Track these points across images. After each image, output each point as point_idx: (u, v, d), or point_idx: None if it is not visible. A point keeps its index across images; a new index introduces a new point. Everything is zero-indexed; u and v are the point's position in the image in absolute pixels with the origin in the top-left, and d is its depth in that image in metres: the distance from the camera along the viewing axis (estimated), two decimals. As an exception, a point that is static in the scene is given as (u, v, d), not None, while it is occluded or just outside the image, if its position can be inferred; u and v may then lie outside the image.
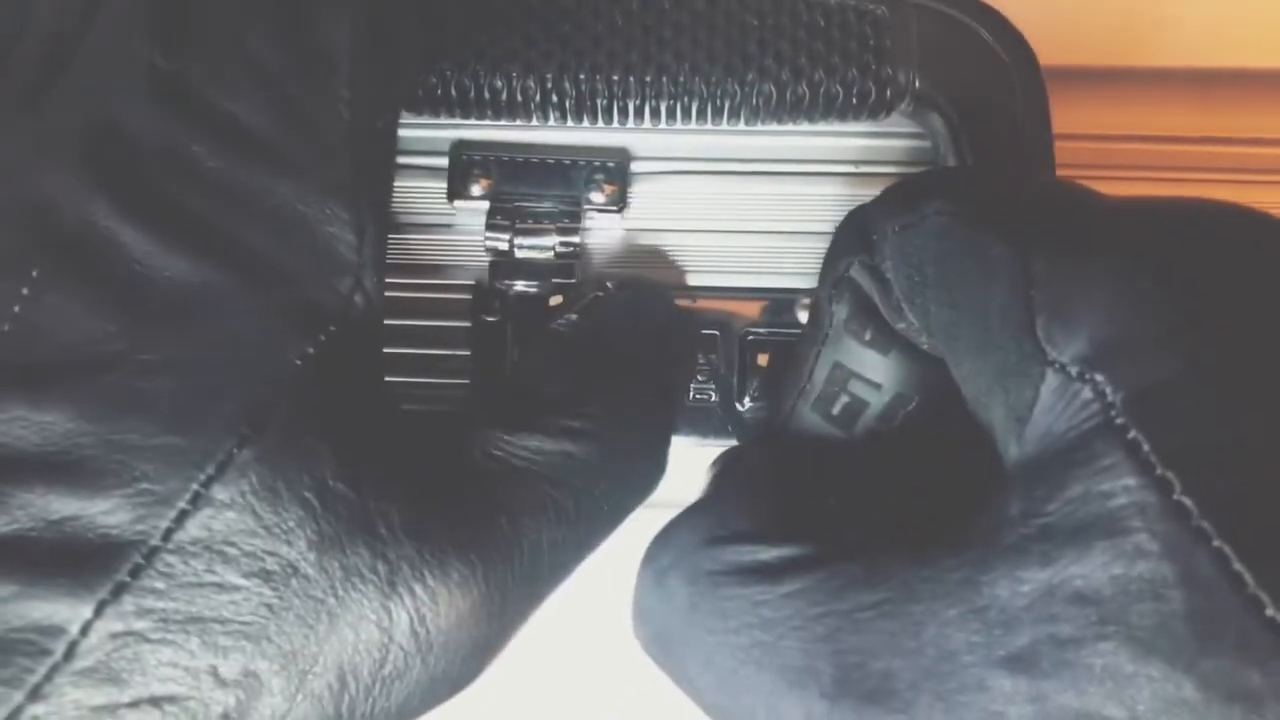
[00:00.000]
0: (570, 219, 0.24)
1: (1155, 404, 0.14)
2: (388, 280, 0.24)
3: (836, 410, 0.21)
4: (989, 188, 0.19)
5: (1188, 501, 0.13)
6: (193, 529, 0.15)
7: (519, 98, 0.23)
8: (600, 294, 0.24)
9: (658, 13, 0.23)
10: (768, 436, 0.23)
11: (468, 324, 0.24)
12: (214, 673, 0.15)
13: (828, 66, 0.23)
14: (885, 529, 0.16)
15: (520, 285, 0.24)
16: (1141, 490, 0.13)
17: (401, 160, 0.25)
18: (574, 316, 0.23)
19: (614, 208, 0.25)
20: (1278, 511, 0.13)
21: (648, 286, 0.25)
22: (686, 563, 0.18)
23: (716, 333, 0.25)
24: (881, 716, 0.15)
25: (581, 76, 0.23)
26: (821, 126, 0.24)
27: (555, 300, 0.25)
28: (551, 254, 0.24)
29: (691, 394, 0.25)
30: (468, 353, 0.24)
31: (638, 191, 0.25)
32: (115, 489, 0.15)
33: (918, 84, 0.23)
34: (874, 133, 0.25)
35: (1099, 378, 0.14)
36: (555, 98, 0.23)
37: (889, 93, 0.23)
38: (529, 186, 0.25)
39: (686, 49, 0.23)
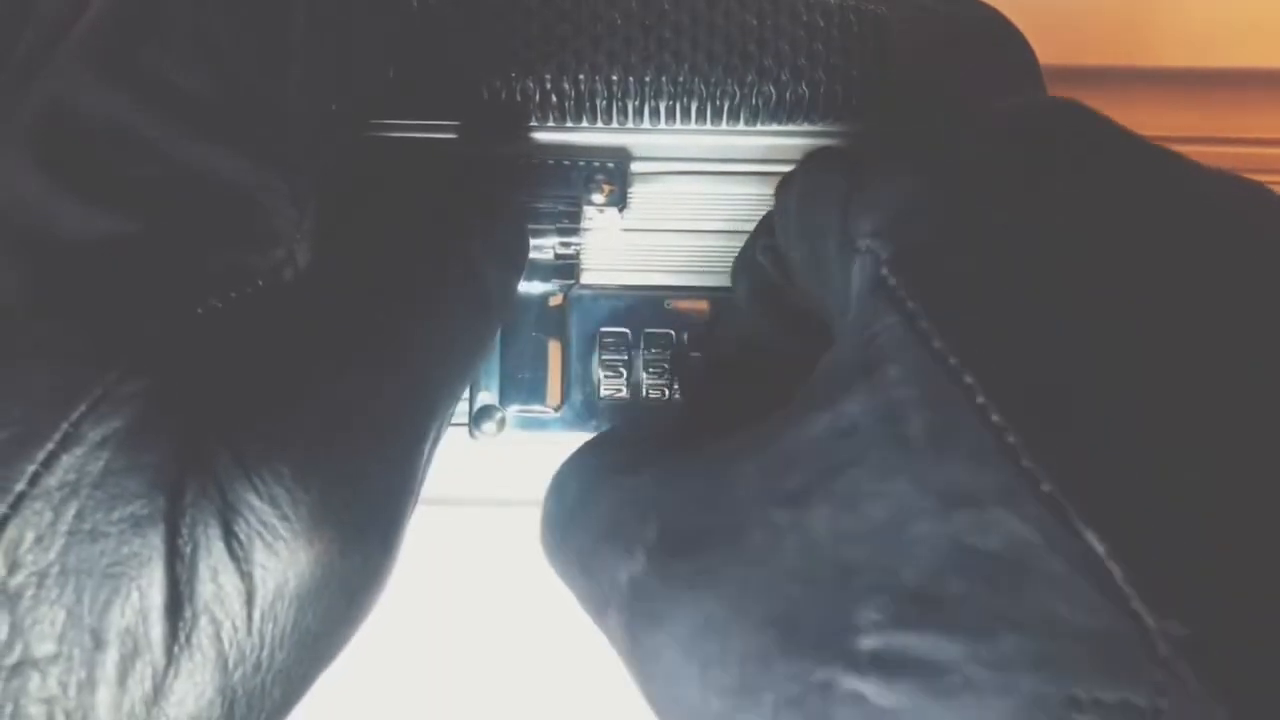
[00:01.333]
0: (570, 219, 0.24)
1: (912, 256, 0.15)
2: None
3: (738, 374, 0.22)
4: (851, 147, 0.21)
5: (928, 326, 0.14)
6: (61, 471, 0.14)
7: (519, 98, 0.23)
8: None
9: (657, 13, 0.23)
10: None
11: None
12: (91, 629, 0.15)
13: (827, 67, 0.23)
14: (733, 425, 0.18)
15: (520, 284, 0.24)
16: (896, 327, 0.15)
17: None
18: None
19: (614, 208, 0.25)
20: (1007, 329, 0.14)
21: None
22: (577, 469, 0.20)
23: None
24: (685, 561, 0.16)
25: (581, 77, 0.23)
26: (821, 127, 0.24)
27: (555, 302, 0.25)
28: (551, 254, 0.24)
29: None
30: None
31: (637, 192, 0.25)
32: None
33: (918, 85, 0.23)
34: (874, 133, 0.25)
35: (876, 244, 0.16)
36: (555, 98, 0.23)
37: (889, 93, 0.23)
38: (529, 187, 0.25)
39: (686, 49, 0.23)
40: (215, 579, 0.15)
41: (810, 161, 0.20)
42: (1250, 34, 0.30)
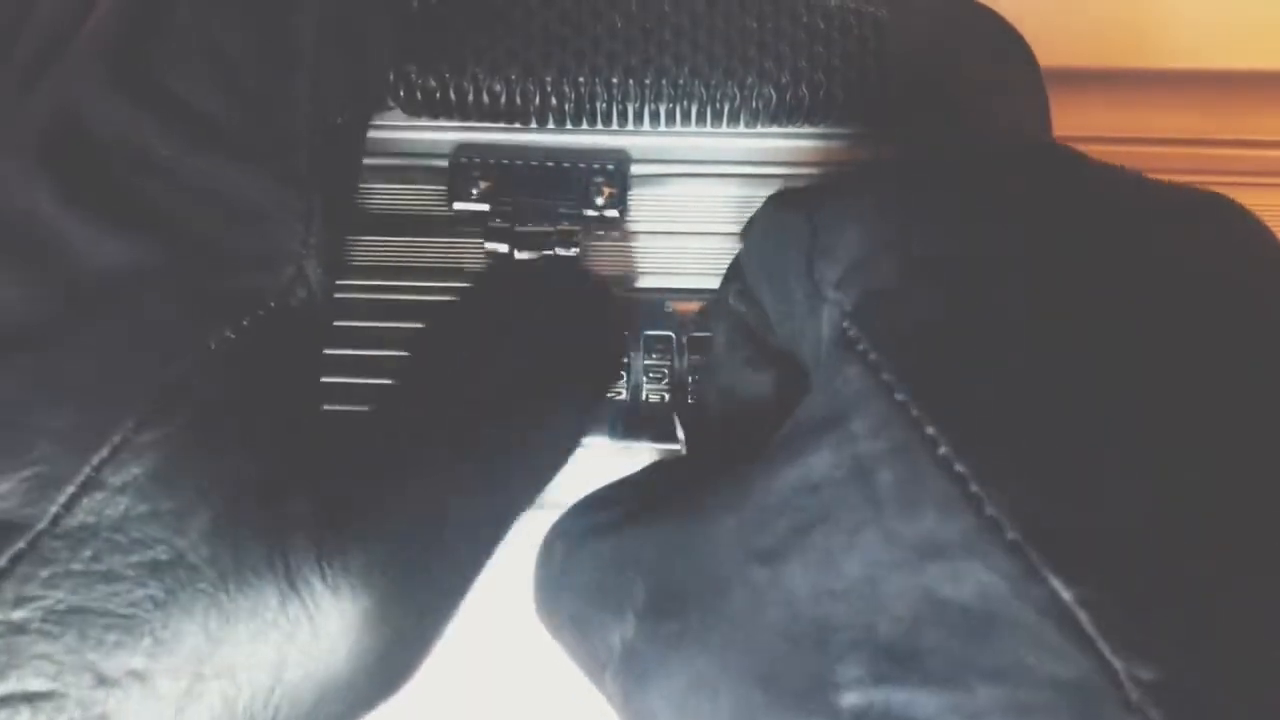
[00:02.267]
0: (570, 222, 0.24)
1: (873, 305, 0.15)
2: (387, 283, 0.24)
3: (726, 422, 0.21)
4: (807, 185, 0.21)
5: (890, 379, 0.14)
6: (81, 514, 0.14)
7: (519, 101, 0.23)
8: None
9: (657, 16, 0.23)
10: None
11: None
12: (93, 669, 0.14)
13: (827, 69, 0.23)
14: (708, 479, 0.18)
15: None
16: (858, 379, 0.15)
17: (402, 163, 0.25)
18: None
19: (614, 210, 0.25)
20: (966, 377, 0.14)
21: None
22: (564, 532, 0.19)
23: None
24: (672, 623, 0.16)
25: (581, 79, 0.23)
26: (821, 129, 0.24)
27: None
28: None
29: (690, 396, 0.25)
30: (467, 355, 0.24)
31: (637, 194, 0.25)
32: (9, 470, 0.14)
33: (917, 87, 0.23)
34: (874, 135, 0.25)
35: (839, 294, 0.16)
36: (555, 100, 0.23)
37: (889, 96, 0.23)
38: (529, 189, 0.25)
39: (686, 52, 0.23)
40: (251, 643, 0.15)
41: (771, 204, 0.20)
42: (1250, 36, 0.30)
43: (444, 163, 0.25)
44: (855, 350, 0.15)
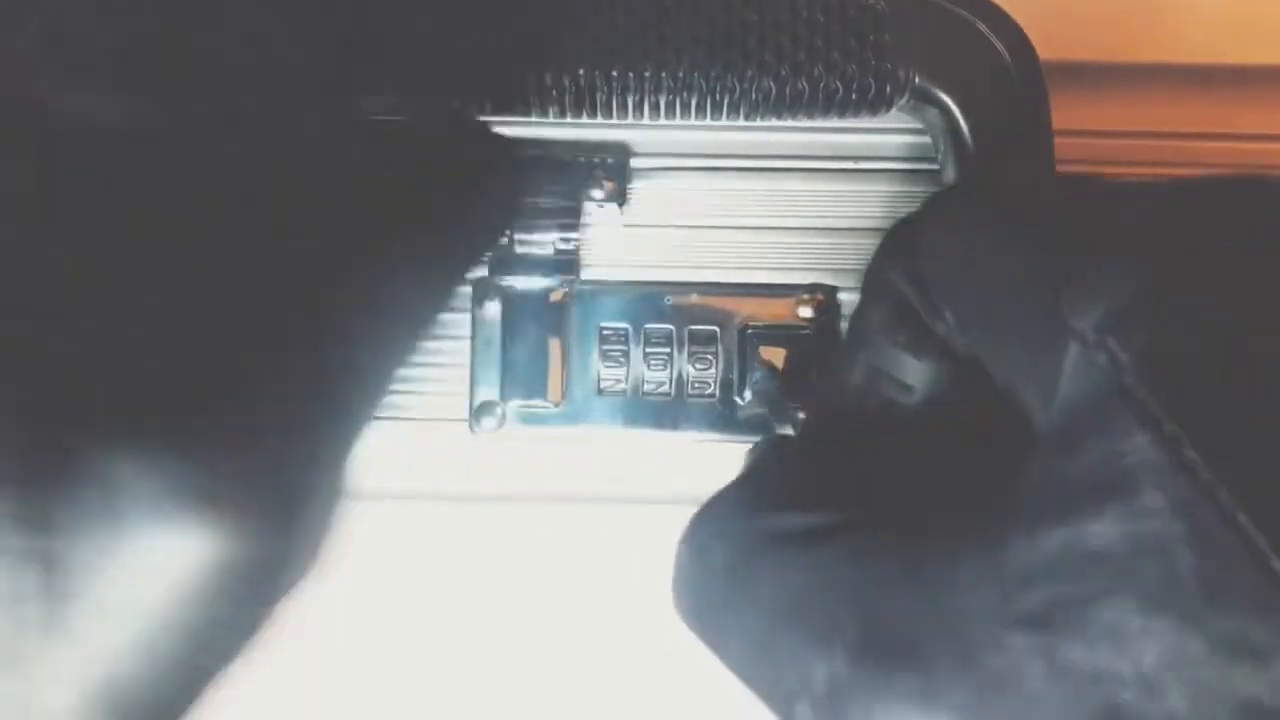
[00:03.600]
0: (570, 214, 0.24)
1: (1164, 366, 0.14)
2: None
3: (869, 409, 0.21)
4: (1019, 186, 0.19)
5: (1194, 456, 0.13)
6: None
7: (518, 93, 0.23)
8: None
9: (657, 8, 0.23)
10: (804, 431, 0.23)
11: (468, 318, 0.24)
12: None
13: (827, 62, 0.23)
14: (917, 502, 0.17)
15: (520, 280, 0.25)
16: (1150, 448, 0.13)
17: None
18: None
19: (614, 203, 0.25)
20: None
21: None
22: (726, 534, 0.18)
23: (716, 328, 0.25)
24: (902, 673, 0.15)
25: (581, 72, 0.23)
26: (821, 122, 0.24)
27: (556, 297, 0.25)
28: (552, 249, 0.25)
29: (689, 388, 0.25)
30: (467, 348, 0.24)
31: (637, 187, 0.25)
32: None
33: (917, 80, 0.23)
34: (873, 128, 0.25)
35: (1112, 342, 0.14)
36: (555, 93, 0.23)
37: (888, 88, 0.23)
38: (529, 182, 0.25)
39: (686, 45, 0.23)
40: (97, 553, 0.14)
41: (990, 197, 0.18)
42: (1251, 30, 0.30)
43: None
44: (1144, 413, 0.14)
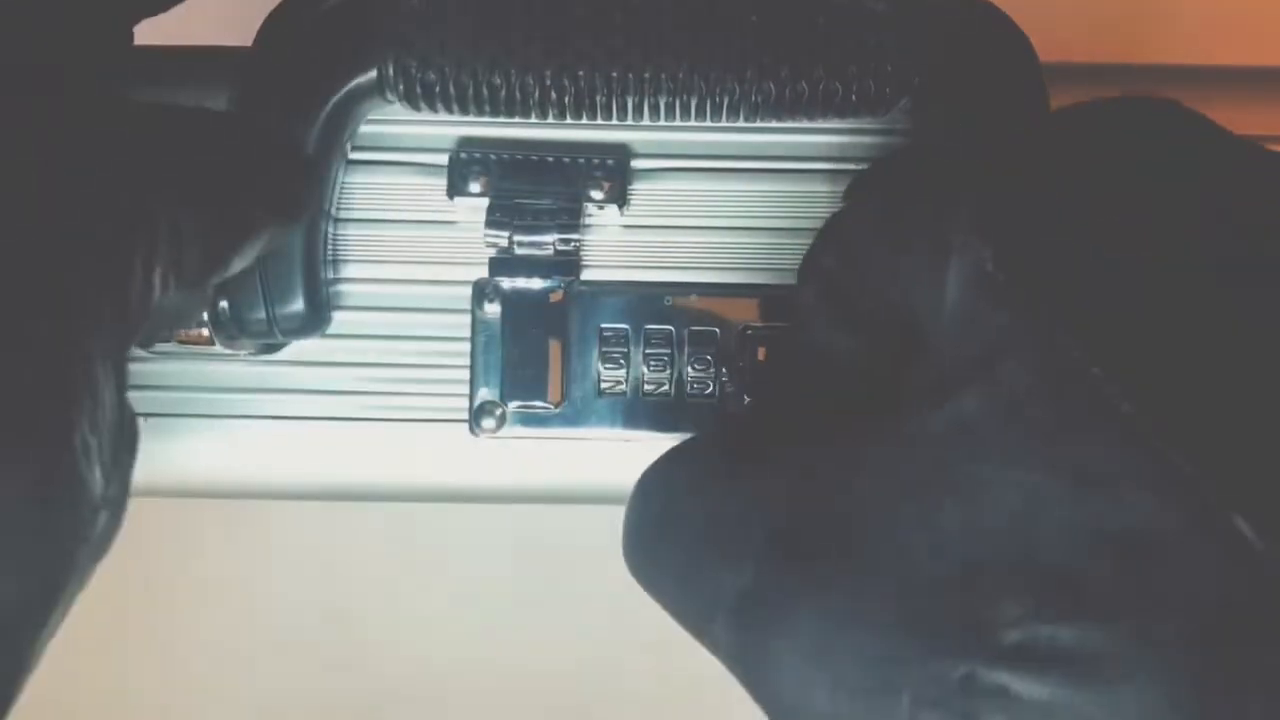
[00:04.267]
0: (570, 216, 0.25)
1: (1019, 250, 0.16)
2: (389, 276, 0.25)
3: (812, 379, 0.21)
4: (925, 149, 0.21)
5: (1044, 320, 0.14)
6: None
7: (518, 94, 0.23)
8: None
9: (657, 9, 0.23)
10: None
11: (467, 320, 0.24)
12: None
13: (827, 64, 0.23)
14: (829, 428, 0.18)
15: (520, 281, 0.25)
16: (1009, 321, 0.15)
17: (401, 158, 0.25)
18: None
19: (613, 205, 0.25)
20: (1128, 319, 0.14)
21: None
22: (662, 478, 0.19)
23: (716, 330, 0.25)
24: (801, 569, 0.16)
25: (581, 73, 0.23)
26: (821, 124, 0.24)
27: (556, 298, 0.25)
28: (551, 251, 0.25)
29: (689, 389, 0.25)
30: (466, 349, 0.24)
31: (637, 189, 0.25)
32: None
33: (917, 81, 0.23)
34: (874, 130, 0.25)
35: (977, 241, 0.16)
36: (554, 94, 0.23)
37: (888, 90, 0.23)
38: (529, 184, 0.25)
39: (686, 46, 0.23)
40: None
41: (889, 163, 0.20)
42: (1250, 31, 0.30)
43: (444, 157, 0.25)
44: (1003, 294, 0.15)
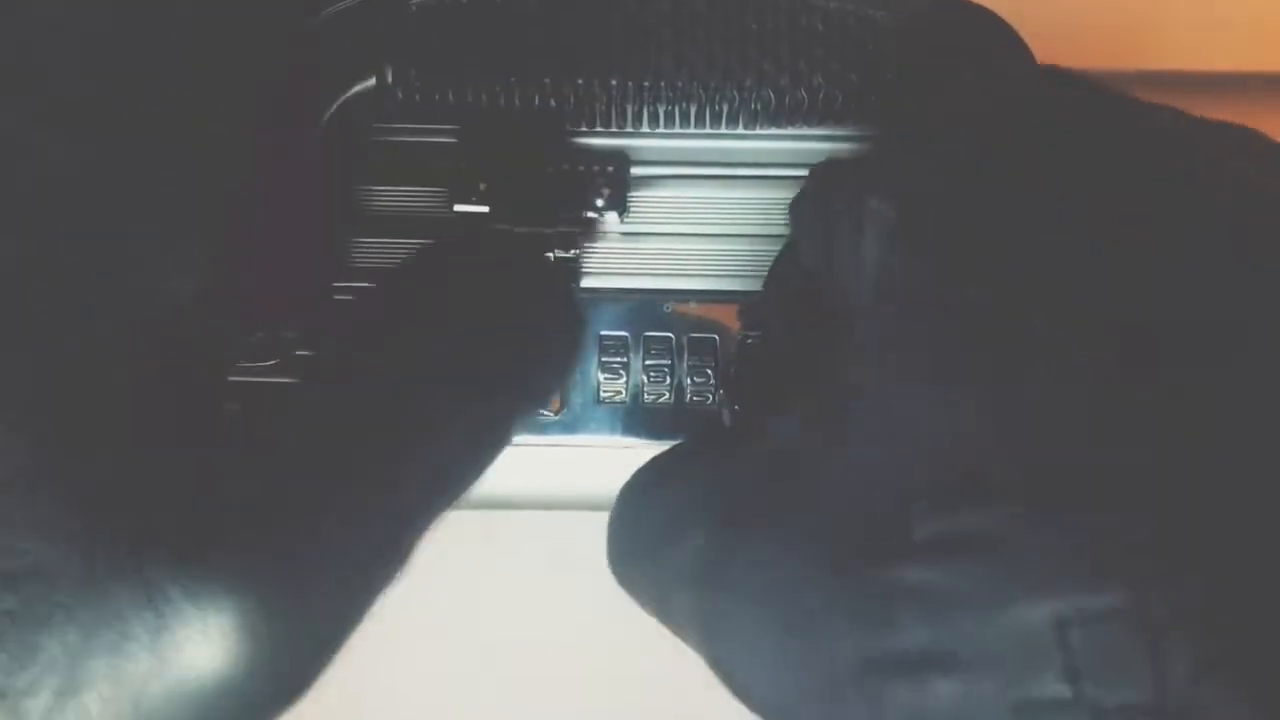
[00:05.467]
0: (569, 224, 0.25)
1: (917, 209, 0.17)
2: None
3: (781, 370, 0.22)
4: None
5: (934, 259, 0.16)
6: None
7: (518, 103, 0.23)
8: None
9: (656, 17, 0.23)
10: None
11: None
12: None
13: (826, 71, 0.23)
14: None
15: None
16: (901, 265, 0.16)
17: (402, 165, 0.25)
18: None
19: (613, 212, 0.25)
20: (1004, 250, 0.15)
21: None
22: (636, 482, 0.20)
23: (715, 337, 0.25)
24: (743, 525, 0.17)
25: (580, 81, 0.23)
26: (821, 131, 0.24)
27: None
28: (551, 258, 0.25)
29: (689, 397, 0.25)
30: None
31: (637, 196, 0.25)
32: None
33: (916, 88, 0.23)
34: (874, 137, 0.25)
35: (883, 208, 0.17)
36: (554, 102, 0.23)
37: (887, 97, 0.23)
38: (529, 191, 0.25)
39: (686, 53, 0.23)
40: (110, 656, 0.14)
41: (817, 169, 0.21)
42: (1244, 38, 0.30)
43: (444, 165, 0.25)
44: (901, 244, 0.16)
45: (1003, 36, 0.24)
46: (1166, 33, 0.31)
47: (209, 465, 0.16)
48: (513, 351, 0.20)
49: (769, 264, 0.25)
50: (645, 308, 0.25)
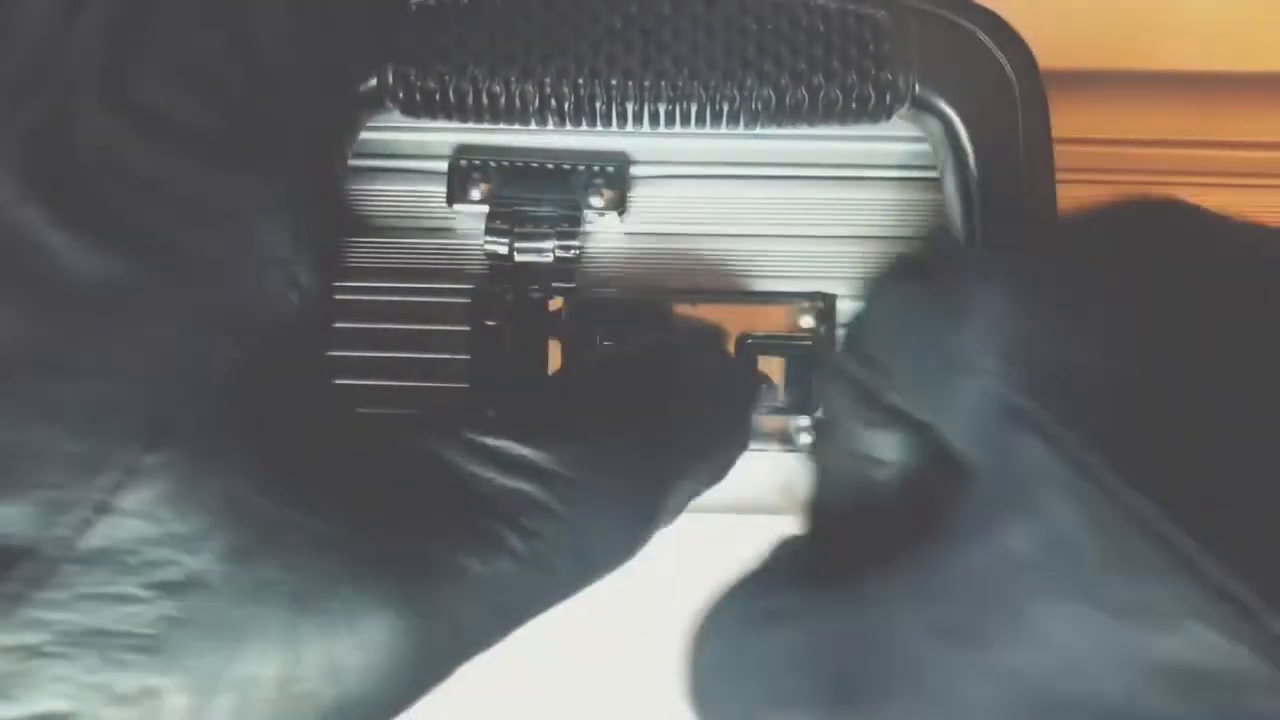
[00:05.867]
0: (569, 223, 0.24)
1: (1044, 379, 0.15)
2: (387, 285, 0.24)
3: (852, 490, 0.21)
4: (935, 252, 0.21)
5: (1079, 452, 0.14)
6: (95, 538, 0.15)
7: (518, 102, 0.23)
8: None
9: (657, 17, 0.23)
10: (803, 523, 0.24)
11: (467, 328, 0.24)
12: (108, 689, 0.15)
13: (827, 71, 0.23)
14: (877, 561, 0.17)
15: (519, 289, 0.24)
16: (1044, 455, 0.14)
17: (401, 165, 0.25)
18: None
19: (613, 212, 0.25)
20: (1165, 447, 0.14)
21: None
22: (715, 624, 0.19)
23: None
24: (849, 713, 0.16)
25: (580, 81, 0.23)
26: (821, 131, 0.24)
27: (555, 306, 0.25)
28: (551, 258, 0.24)
29: None
30: (466, 357, 0.24)
31: (637, 196, 0.25)
32: (15, 495, 0.14)
33: (917, 88, 0.23)
34: (873, 137, 0.25)
35: (996, 365, 0.16)
36: (554, 102, 0.23)
37: (888, 97, 0.23)
38: (528, 191, 0.25)
39: (686, 53, 0.23)
40: (261, 658, 0.15)
41: (900, 272, 0.20)
42: (1248, 37, 0.30)
43: (443, 164, 0.25)
44: (1035, 425, 0.15)
45: (1004, 37, 0.24)
46: (1166, 33, 0.31)
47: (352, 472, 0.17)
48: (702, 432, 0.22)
49: (768, 263, 0.25)
50: (645, 307, 0.25)
